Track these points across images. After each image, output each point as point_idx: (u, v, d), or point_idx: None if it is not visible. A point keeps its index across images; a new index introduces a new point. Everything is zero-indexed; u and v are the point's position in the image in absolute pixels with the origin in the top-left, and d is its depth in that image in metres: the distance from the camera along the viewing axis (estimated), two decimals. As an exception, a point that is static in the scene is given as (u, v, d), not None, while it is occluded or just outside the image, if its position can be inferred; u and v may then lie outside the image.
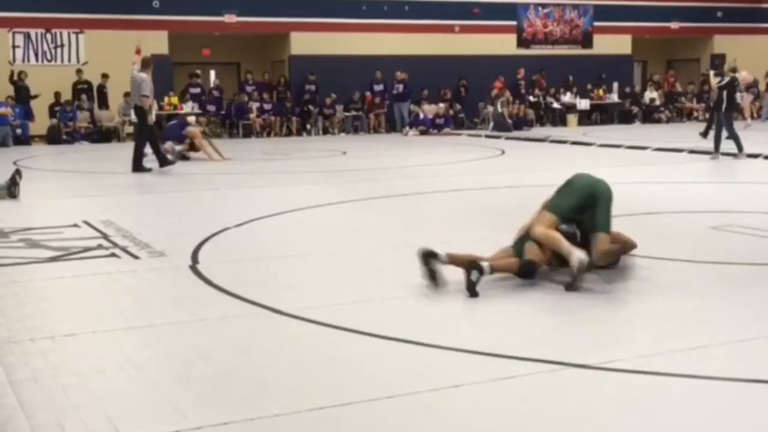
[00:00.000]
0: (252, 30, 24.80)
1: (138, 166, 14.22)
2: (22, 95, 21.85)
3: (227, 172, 14.56)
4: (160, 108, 22.85)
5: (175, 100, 23.17)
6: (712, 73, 16.16)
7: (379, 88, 25.31)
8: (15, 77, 21.82)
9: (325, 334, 4.93)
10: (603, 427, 3.55)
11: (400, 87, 24.99)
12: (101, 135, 22.32)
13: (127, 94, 22.75)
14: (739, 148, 15.08)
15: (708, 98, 24.47)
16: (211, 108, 23.93)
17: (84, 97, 22.55)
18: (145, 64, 14.74)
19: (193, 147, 16.93)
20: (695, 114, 28.17)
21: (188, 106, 23.44)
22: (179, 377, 4.23)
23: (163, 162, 14.42)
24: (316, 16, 24.90)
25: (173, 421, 3.63)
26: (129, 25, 23.02)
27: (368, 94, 25.18)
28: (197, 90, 24.06)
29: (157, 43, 23.45)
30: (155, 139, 14.78)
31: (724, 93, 15.27)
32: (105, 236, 7.98)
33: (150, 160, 14.51)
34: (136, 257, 7.07)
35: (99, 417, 3.69)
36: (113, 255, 7.19)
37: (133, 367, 4.37)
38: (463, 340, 4.69)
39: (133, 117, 15.56)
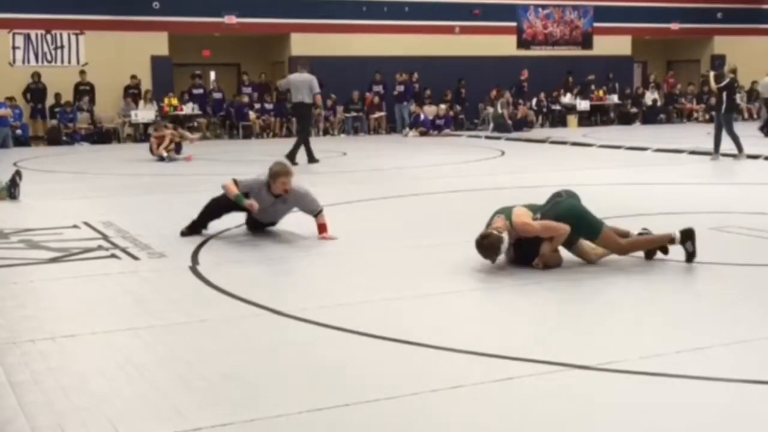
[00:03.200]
0: (252, 31, 24.81)
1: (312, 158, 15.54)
2: (36, 96, 22.02)
3: (228, 173, 14.51)
4: (160, 109, 22.89)
5: (175, 101, 23.18)
6: (711, 74, 16.12)
7: (378, 89, 25.32)
8: (30, 79, 21.98)
9: (326, 335, 4.93)
10: (603, 428, 3.55)
11: (401, 88, 24.99)
12: (101, 136, 22.34)
13: (128, 95, 22.89)
14: (739, 148, 15.08)
15: (707, 99, 24.50)
16: (211, 109, 23.96)
17: (86, 98, 22.57)
18: (303, 64, 16.04)
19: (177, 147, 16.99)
20: (695, 115, 28.18)
21: (188, 107, 23.46)
22: (179, 378, 4.22)
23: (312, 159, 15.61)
24: (317, 17, 24.91)
25: (173, 422, 3.63)
26: (129, 26, 23.05)
27: (368, 94, 25.18)
28: (200, 91, 24.07)
29: (157, 44, 23.51)
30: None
31: (724, 94, 15.27)
32: (105, 237, 7.98)
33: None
34: (136, 258, 7.07)
35: (99, 418, 3.69)
36: (113, 256, 7.18)
37: (134, 368, 4.37)
38: (463, 341, 4.68)
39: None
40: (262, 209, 7.76)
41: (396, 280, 6.28)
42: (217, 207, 7.93)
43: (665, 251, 6.57)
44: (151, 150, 16.90)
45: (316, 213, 7.80)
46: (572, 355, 4.41)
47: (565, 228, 6.36)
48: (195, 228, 7.92)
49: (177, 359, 4.53)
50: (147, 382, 4.18)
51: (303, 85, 15.70)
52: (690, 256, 6.41)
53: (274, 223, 8.14)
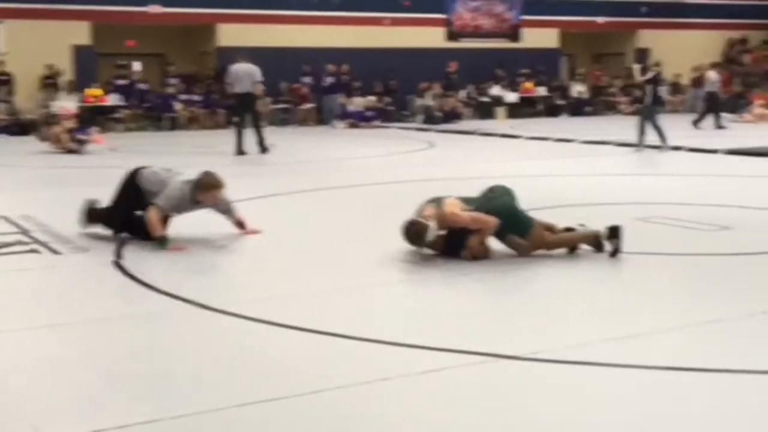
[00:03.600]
0: (177, 21, 24.40)
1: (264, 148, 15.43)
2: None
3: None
4: (83, 100, 22.39)
5: (98, 91, 22.69)
6: (636, 67, 16.39)
7: (307, 80, 25.16)
8: None
9: (254, 329, 4.86)
10: (533, 416, 3.56)
11: (331, 79, 24.87)
12: (20, 127, 21.74)
13: (47, 85, 22.31)
14: (663, 140, 15.37)
15: (633, 92, 24.89)
16: (136, 100, 23.52)
17: (4, 88, 21.95)
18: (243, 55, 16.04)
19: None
20: (621, 107, 28.66)
21: (112, 98, 23.00)
22: (104, 375, 4.12)
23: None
24: (244, 7, 24.61)
25: (97, 420, 3.53)
26: (50, 14, 22.46)
27: (297, 86, 25.01)
28: (125, 82, 23.60)
29: (79, 33, 22.96)
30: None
31: (649, 87, 15.55)
32: (24, 231, 7.75)
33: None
34: (57, 253, 6.88)
35: (20, 417, 3.57)
36: (33, 251, 6.98)
37: (55, 365, 4.25)
38: (392, 332, 4.66)
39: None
40: (166, 198, 7.08)
41: (324, 272, 6.23)
42: (127, 209, 7.31)
43: (599, 248, 6.60)
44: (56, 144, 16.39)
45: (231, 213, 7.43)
46: (501, 345, 4.42)
47: (493, 221, 6.39)
48: (95, 216, 7.41)
49: (101, 356, 4.42)
50: (69, 380, 4.07)
51: (245, 75, 15.66)
52: (614, 252, 6.43)
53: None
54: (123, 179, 7.45)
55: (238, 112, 16.17)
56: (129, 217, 7.24)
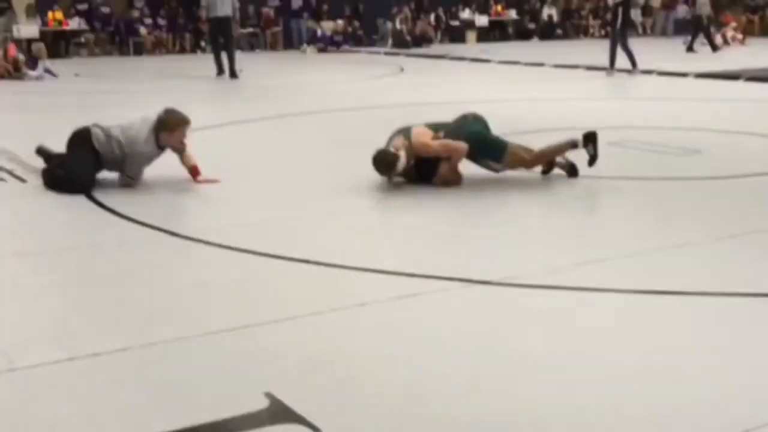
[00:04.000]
0: (141, -58, 23.74)
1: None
2: None
3: (123, 91, 14.07)
4: (45, 24, 21.87)
5: (59, 14, 22.14)
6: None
7: (274, 3, 24.71)
8: None
9: (225, 257, 4.82)
10: (507, 341, 3.58)
11: (298, 2, 24.42)
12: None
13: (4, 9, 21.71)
14: (633, 64, 15.33)
15: (604, 14, 24.74)
16: (99, 24, 23.03)
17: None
18: None
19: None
20: (591, 30, 28.51)
21: (74, 22, 22.48)
22: (74, 304, 4.08)
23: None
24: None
25: (69, 348, 3.50)
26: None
27: (264, 9, 24.57)
28: (84, 6, 23.03)
29: (39, -46, 22.28)
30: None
31: (620, 10, 15.42)
32: (-10, 159, 7.61)
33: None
34: (23, 181, 6.76)
35: (-10, 348, 3.53)
36: (-1, 179, 6.87)
37: (25, 294, 4.20)
38: (365, 259, 4.65)
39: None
40: (137, 163, 6.50)
41: (295, 199, 6.19)
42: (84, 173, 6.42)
43: (573, 172, 6.59)
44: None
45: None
46: (473, 271, 4.43)
47: (463, 146, 6.35)
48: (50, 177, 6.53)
49: (70, 284, 4.37)
50: (39, 308, 4.03)
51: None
52: (592, 159, 6.47)
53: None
54: (73, 140, 6.53)
55: (214, 36, 16.04)
56: (86, 181, 6.41)
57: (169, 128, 6.47)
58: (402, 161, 6.26)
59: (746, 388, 3.10)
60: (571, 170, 6.60)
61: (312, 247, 4.91)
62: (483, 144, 6.49)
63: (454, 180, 6.41)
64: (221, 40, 15.69)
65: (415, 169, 6.47)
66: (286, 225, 5.50)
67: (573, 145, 6.57)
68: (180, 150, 6.64)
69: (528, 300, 4.08)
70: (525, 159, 6.56)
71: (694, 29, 21.16)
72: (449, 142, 6.38)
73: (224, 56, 15.52)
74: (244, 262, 4.72)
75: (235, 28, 16.45)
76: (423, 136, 6.38)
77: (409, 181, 6.49)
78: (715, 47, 20.66)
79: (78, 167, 6.36)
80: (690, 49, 20.59)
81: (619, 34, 15.43)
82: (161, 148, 6.57)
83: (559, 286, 4.20)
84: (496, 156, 6.48)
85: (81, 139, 6.46)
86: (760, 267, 4.55)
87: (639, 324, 3.76)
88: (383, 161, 6.29)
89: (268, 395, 3.04)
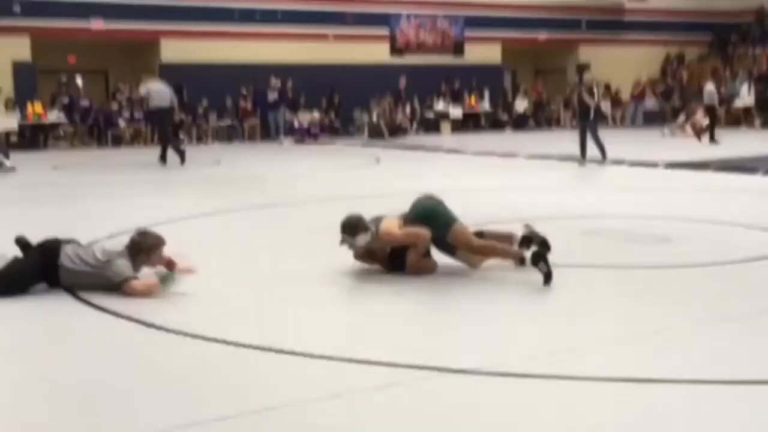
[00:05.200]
0: (120, 37, 24.18)
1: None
2: None
3: (98, 182, 14.13)
4: (24, 117, 22.05)
5: (39, 108, 22.34)
6: (586, 93, 15.98)
7: (250, 95, 25.05)
8: None
9: (200, 348, 4.81)
10: (488, 429, 3.58)
11: (275, 95, 24.79)
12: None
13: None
14: (603, 155, 15.62)
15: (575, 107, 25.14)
16: (78, 117, 23.23)
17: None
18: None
19: None
20: (562, 123, 29.07)
21: (53, 115, 22.67)
22: (46, 397, 4.04)
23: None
24: (187, 23, 24.49)
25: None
26: (-11, 30, 22.11)
27: (241, 102, 24.91)
28: (67, 100, 23.27)
29: (19, 49, 22.61)
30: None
31: (589, 103, 15.77)
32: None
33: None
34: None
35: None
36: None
37: (-2, 388, 4.17)
38: (339, 348, 4.66)
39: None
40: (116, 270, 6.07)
41: (270, 289, 6.21)
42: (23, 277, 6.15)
43: (523, 262, 6.45)
44: None
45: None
46: (449, 359, 4.44)
47: (425, 234, 6.40)
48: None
49: (42, 377, 4.34)
50: (10, 402, 3.99)
51: (160, 93, 16.98)
52: (547, 277, 6.06)
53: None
54: (38, 251, 6.25)
55: (163, 124, 17.47)
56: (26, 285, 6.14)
57: (146, 251, 6.24)
58: (364, 239, 6.35)
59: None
60: (522, 261, 6.45)
61: (283, 336, 4.91)
62: (432, 218, 6.50)
63: (424, 268, 6.45)
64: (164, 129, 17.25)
65: (389, 259, 6.54)
66: (259, 314, 5.50)
67: (521, 259, 6.40)
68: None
69: (503, 389, 4.09)
70: (471, 244, 6.52)
71: (711, 118, 20.86)
72: (411, 229, 6.43)
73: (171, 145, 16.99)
74: (215, 352, 4.70)
75: (177, 114, 18.73)
76: (389, 226, 6.45)
77: (383, 270, 6.54)
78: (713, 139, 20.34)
79: (18, 274, 6.10)
80: (712, 139, 20.32)
81: (590, 125, 15.75)
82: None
83: (534, 375, 4.22)
84: (444, 231, 6.47)
85: (47, 251, 6.19)
86: (734, 354, 4.60)
87: (614, 412, 3.78)
88: (349, 223, 6.42)
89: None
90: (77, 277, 6.09)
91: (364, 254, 6.60)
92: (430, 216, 6.52)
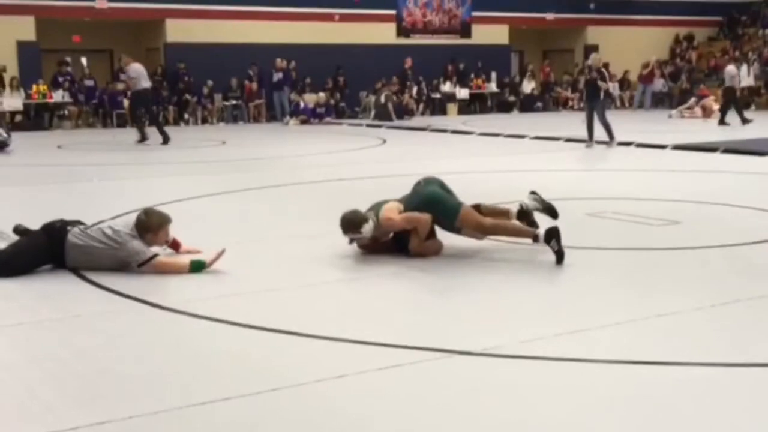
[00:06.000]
0: (125, 16, 24.09)
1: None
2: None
3: (103, 163, 14.11)
4: (29, 96, 22.01)
5: (44, 88, 22.29)
6: (601, 84, 15.72)
7: (255, 74, 24.94)
8: None
9: (205, 328, 4.80)
10: (487, 413, 3.56)
11: (279, 75, 24.68)
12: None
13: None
14: (611, 136, 15.54)
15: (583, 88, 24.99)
16: (83, 97, 23.18)
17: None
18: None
19: None
20: (570, 103, 28.93)
21: (58, 95, 22.63)
22: (52, 377, 4.03)
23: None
24: (193, 3, 24.37)
25: (46, 422, 3.46)
26: (-6, 9, 22.03)
27: (247, 82, 24.83)
28: (67, 78, 23.21)
29: (24, 28, 22.52)
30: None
31: (596, 82, 15.67)
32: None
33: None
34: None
35: (-36, 422, 3.48)
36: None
37: (2, 368, 4.15)
38: (346, 329, 4.64)
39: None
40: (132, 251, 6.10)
41: (276, 270, 6.18)
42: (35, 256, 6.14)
43: (535, 239, 6.43)
44: None
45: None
46: (454, 341, 4.42)
47: (425, 218, 6.36)
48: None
49: (49, 357, 4.32)
50: (16, 382, 3.98)
51: (144, 72, 17.65)
52: (559, 256, 6.14)
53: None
54: (44, 232, 6.22)
55: (135, 108, 18.26)
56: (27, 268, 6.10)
57: (153, 230, 6.24)
58: (369, 228, 6.29)
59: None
60: (536, 239, 6.42)
61: (291, 317, 4.89)
62: (437, 204, 6.47)
63: (427, 251, 6.41)
64: (142, 111, 17.85)
65: (393, 241, 6.51)
66: (266, 296, 5.48)
67: (534, 237, 6.36)
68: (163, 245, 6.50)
69: (509, 371, 4.07)
70: (481, 224, 6.47)
71: (726, 102, 20.57)
72: (411, 214, 6.38)
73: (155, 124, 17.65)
74: (223, 333, 4.69)
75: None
76: (390, 212, 6.39)
77: (389, 251, 6.51)
78: (745, 120, 19.88)
79: (23, 255, 6.08)
80: (722, 122, 20.07)
81: (598, 106, 15.64)
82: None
83: (540, 357, 4.20)
84: (451, 217, 6.45)
85: (54, 231, 6.16)
86: (741, 336, 4.56)
87: (621, 395, 3.75)
88: (348, 220, 6.35)
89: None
90: (85, 254, 6.08)
91: (368, 242, 6.54)
92: (434, 205, 6.47)
